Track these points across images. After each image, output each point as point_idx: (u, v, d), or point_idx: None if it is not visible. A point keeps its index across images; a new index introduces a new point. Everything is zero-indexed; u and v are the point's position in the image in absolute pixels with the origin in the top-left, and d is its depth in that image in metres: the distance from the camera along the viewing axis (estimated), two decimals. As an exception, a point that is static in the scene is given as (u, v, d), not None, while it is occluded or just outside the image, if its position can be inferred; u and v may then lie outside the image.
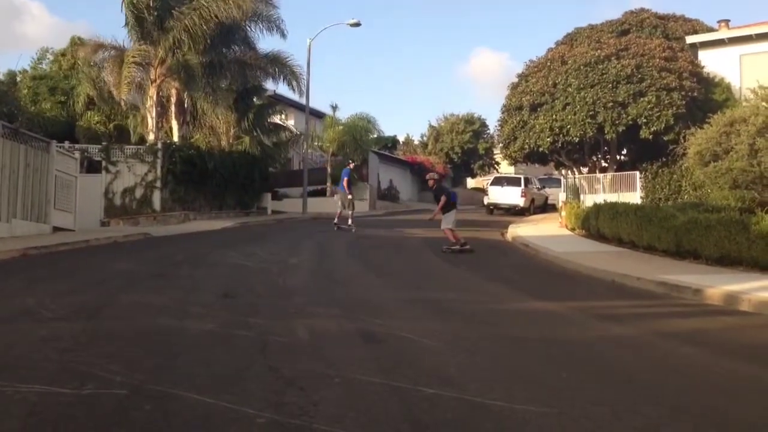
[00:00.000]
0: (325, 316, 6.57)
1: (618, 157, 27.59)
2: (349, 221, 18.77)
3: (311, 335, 5.58)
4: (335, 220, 18.98)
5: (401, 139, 57.36)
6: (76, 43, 27.07)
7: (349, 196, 19.23)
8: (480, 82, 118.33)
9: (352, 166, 20.30)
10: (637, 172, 23.90)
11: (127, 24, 24.94)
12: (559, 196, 26.88)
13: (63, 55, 29.13)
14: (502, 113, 27.73)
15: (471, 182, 57.91)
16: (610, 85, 23.16)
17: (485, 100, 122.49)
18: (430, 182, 15.56)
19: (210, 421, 3.34)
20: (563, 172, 30.22)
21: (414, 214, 30.51)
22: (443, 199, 14.42)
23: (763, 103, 13.76)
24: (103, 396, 3.67)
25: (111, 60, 24.78)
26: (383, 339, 5.49)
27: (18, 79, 29.77)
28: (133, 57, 23.60)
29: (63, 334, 5.37)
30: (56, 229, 16.30)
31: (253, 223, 23.25)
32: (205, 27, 24.37)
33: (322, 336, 5.60)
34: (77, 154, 19.61)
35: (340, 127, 34.61)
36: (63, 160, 17.59)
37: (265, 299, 7.59)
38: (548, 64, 25.71)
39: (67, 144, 20.62)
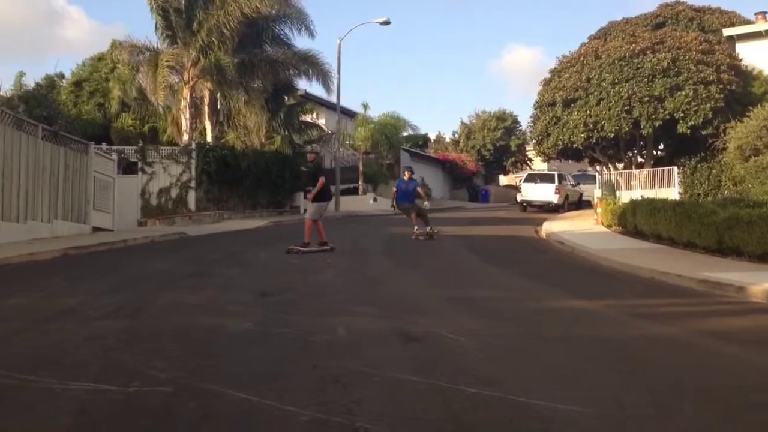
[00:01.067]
0: (361, 314, 6.59)
1: (655, 153, 27.22)
2: (415, 228, 15.80)
3: (348, 333, 5.59)
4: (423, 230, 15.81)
5: (432, 136, 57.24)
6: (116, 46, 27.54)
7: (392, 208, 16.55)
8: (513, 78, 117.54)
9: (407, 176, 16.41)
10: (675, 168, 23.53)
11: (157, 28, 25.43)
12: (594, 192, 26.59)
13: (101, 59, 29.61)
14: (535, 109, 27.53)
15: (503, 179, 57.62)
16: (646, 80, 22.84)
17: (518, 96, 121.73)
18: (310, 156, 13.89)
19: (254, 418, 3.38)
20: (598, 168, 29.88)
21: (446, 212, 30.45)
22: (321, 180, 12.55)
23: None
24: (148, 393, 3.73)
25: (146, 62, 25.20)
26: (421, 337, 5.48)
27: (56, 81, 30.32)
28: (167, 61, 23.99)
29: (106, 333, 5.46)
30: (95, 229, 16.60)
31: (286, 222, 23.39)
32: (232, 25, 24.66)
33: (360, 334, 5.61)
34: (114, 156, 19.95)
35: (372, 126, 34.64)
36: (101, 161, 17.90)
37: (302, 297, 7.63)
38: (581, 59, 25.45)
39: (104, 146, 20.99)
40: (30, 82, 27.44)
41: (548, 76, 27.27)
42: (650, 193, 18.93)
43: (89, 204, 16.58)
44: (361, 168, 34.51)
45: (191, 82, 25.66)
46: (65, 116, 26.20)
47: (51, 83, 29.63)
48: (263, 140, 28.13)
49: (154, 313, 6.54)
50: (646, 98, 22.64)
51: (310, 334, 5.49)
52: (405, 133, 39.53)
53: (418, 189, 16.53)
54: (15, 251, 11.13)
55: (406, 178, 16.58)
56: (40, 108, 22.42)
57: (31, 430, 3.19)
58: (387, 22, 31.12)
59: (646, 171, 25.01)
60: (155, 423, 3.30)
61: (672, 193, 21.72)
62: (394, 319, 6.24)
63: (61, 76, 30.65)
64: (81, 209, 16.22)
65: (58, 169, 15.11)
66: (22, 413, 3.42)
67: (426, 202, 16.92)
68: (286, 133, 29.27)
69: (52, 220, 14.78)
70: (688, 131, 22.38)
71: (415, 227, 16.02)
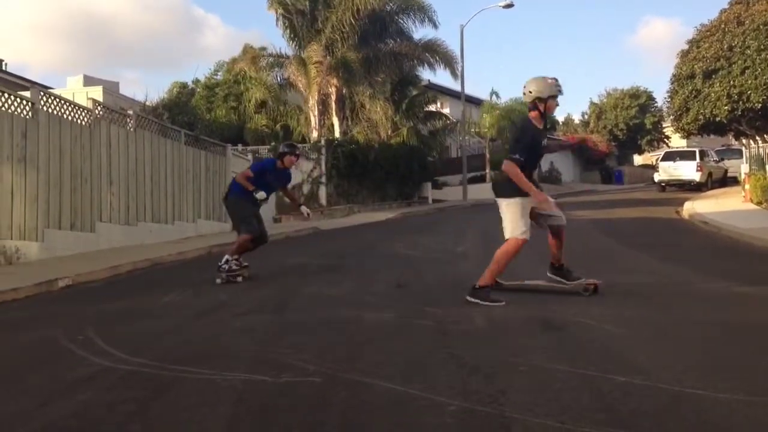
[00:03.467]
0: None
1: (809, 121, 25.04)
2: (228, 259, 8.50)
3: (488, 322, 5.54)
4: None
5: (561, 119, 55.72)
6: (248, 51, 28.87)
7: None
8: (648, 53, 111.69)
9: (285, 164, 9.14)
10: (834, 137, 21.55)
11: (285, 32, 26.51)
12: (740, 168, 24.86)
13: (235, 62, 31.04)
14: (672, 83, 26.10)
15: (638, 159, 55.20)
16: (796, 43, 21.05)
17: (653, 71, 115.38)
18: None
19: (403, 407, 3.42)
20: (744, 141, 27.89)
21: (578, 196, 29.56)
22: None
23: None
24: (299, 384, 3.87)
25: (294, 60, 26.45)
26: (562, 325, 5.34)
27: (192, 87, 32.07)
28: (315, 58, 24.96)
29: (255, 326, 5.74)
30: (238, 227, 17.43)
31: (415, 212, 23.57)
32: (353, 22, 25.19)
33: (499, 323, 5.54)
34: (249, 156, 20.86)
35: (498, 112, 34.13)
36: (237, 162, 18.78)
37: (437, 288, 7.66)
38: (722, 26, 23.81)
39: (239, 147, 22.01)
40: (169, 87, 29.31)
41: (686, 47, 25.77)
42: (806, 166, 17.44)
43: (229, 203, 17.44)
44: (487, 155, 34.12)
45: (318, 80, 26.42)
46: (202, 120, 27.76)
47: (190, 89, 31.41)
48: (389, 133, 28.47)
49: (297, 306, 6.79)
50: (799, 63, 20.88)
51: (448, 324, 5.50)
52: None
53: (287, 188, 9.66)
54: (166, 251, 11.91)
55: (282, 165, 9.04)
56: (182, 114, 23.85)
57: (195, 417, 3.39)
58: (510, 5, 30.54)
59: (799, 142, 23.06)
60: (308, 412, 3.42)
61: (831, 164, 19.90)
62: (532, 306, 6.12)
63: (197, 81, 32.38)
64: (221, 208, 17.10)
65: (199, 172, 16.02)
66: (186, 402, 3.65)
67: (305, 210, 9.64)
68: (412, 124, 29.45)
69: (196, 219, 15.69)
70: None
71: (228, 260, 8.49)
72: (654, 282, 7.70)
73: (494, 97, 35.08)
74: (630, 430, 3.09)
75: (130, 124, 13.52)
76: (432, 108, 33.25)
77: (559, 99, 6.40)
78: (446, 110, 35.93)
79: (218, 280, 8.25)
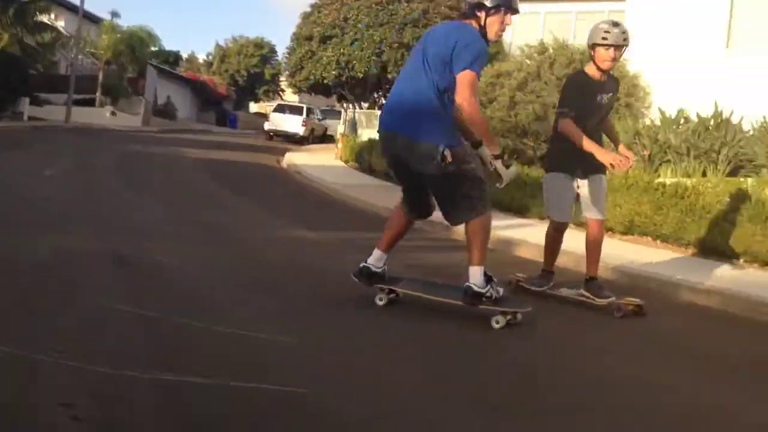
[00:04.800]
0: (75, 234, 6.16)
1: (397, 96, 28.58)
2: None
3: (55, 256, 5.18)
4: None
5: (185, 55, 54.47)
6: None
7: None
8: (283, 6, 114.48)
9: None
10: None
11: None
12: (338, 128, 27.45)
13: None
14: (292, 41, 27.47)
15: (254, 107, 56.95)
16: (397, 26, 23.80)
17: (284, 25, 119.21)
18: None
19: None
20: (345, 105, 30.78)
21: (192, 134, 29.54)
22: None
23: (527, 60, 15.00)
24: None
25: None
26: (136, 263, 5.26)
27: None
28: None
29: None
30: None
31: (4, 128, 20.90)
32: None
33: (69, 257, 5.22)
34: None
35: (119, 36, 31.95)
36: None
37: (10, 215, 6.90)
38: (343, -2, 25.74)
39: None
40: None
41: (309, 9, 27.25)
42: (389, 135, 19.94)
43: None
44: (100, 78, 31.76)
45: None
46: None
47: None
48: (-12, 38, 24.64)
49: None
50: (396, 44, 23.65)
51: (11, 255, 5.00)
52: (154, 48, 37.07)
53: None
54: None
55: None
56: None
57: None
58: None
59: (388, 113, 26.20)
60: None
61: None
62: (112, 241, 5.91)
63: None
64: None
65: None
66: None
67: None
68: (16, 31, 25.90)
69: None
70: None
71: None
72: (238, 224, 8.14)
73: (114, 17, 32.69)
74: (178, 371, 3.15)
75: None
76: (45, 18, 29.58)
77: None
78: (61, 23, 32.28)
79: (496, 324, 4.38)
